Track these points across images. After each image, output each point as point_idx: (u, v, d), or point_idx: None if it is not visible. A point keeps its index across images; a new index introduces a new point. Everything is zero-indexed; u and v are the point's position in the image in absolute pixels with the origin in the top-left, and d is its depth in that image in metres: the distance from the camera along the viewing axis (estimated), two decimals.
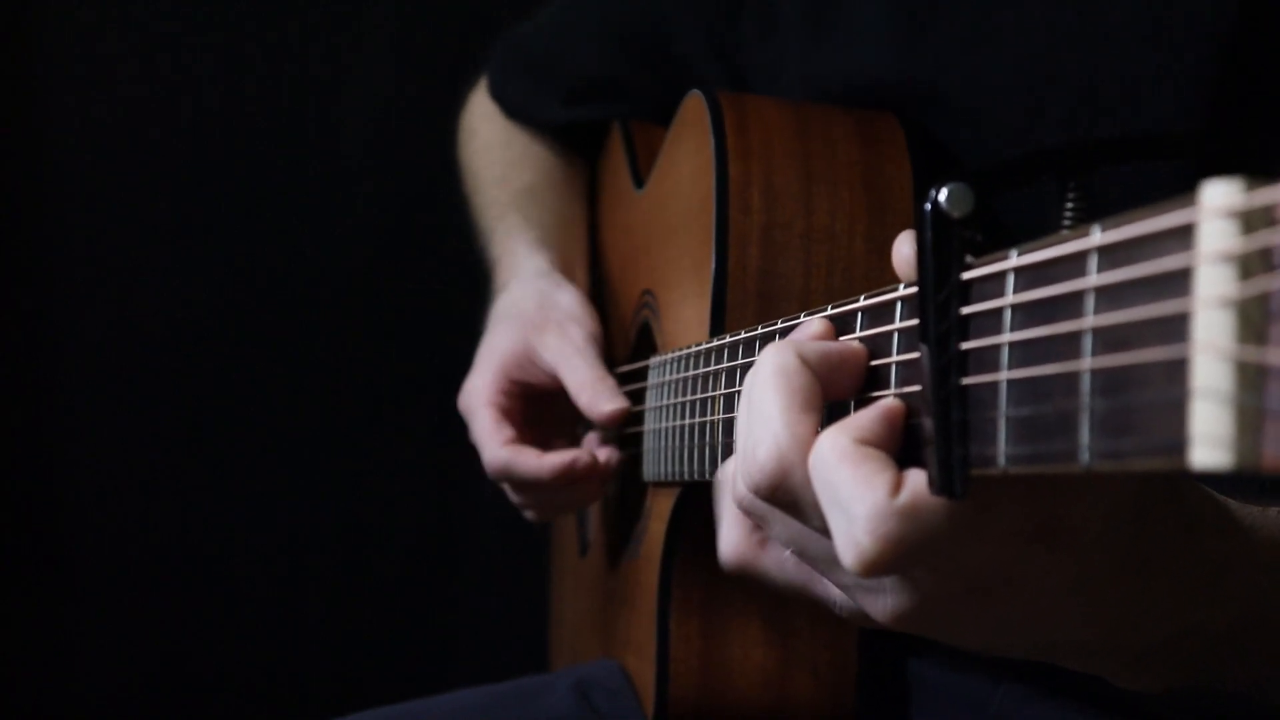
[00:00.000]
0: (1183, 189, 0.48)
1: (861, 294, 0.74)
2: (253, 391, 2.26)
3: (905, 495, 0.62)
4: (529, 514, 1.34)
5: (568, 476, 1.23)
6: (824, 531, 0.67)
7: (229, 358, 2.25)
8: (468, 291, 1.51)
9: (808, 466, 0.65)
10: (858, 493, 0.62)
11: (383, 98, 2.29)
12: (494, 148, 1.53)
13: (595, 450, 1.26)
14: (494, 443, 1.26)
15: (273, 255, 2.26)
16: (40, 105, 2.18)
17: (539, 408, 1.31)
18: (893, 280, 0.71)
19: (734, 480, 0.73)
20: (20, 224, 2.19)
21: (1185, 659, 0.72)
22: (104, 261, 2.22)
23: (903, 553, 0.62)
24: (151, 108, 2.22)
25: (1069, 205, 0.63)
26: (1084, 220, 0.63)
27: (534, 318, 1.30)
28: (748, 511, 0.72)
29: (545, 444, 1.27)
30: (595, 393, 1.22)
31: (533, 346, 1.28)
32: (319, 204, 2.28)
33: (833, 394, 0.70)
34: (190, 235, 2.24)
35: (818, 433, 0.66)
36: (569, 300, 1.32)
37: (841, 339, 0.73)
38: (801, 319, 0.81)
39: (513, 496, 1.31)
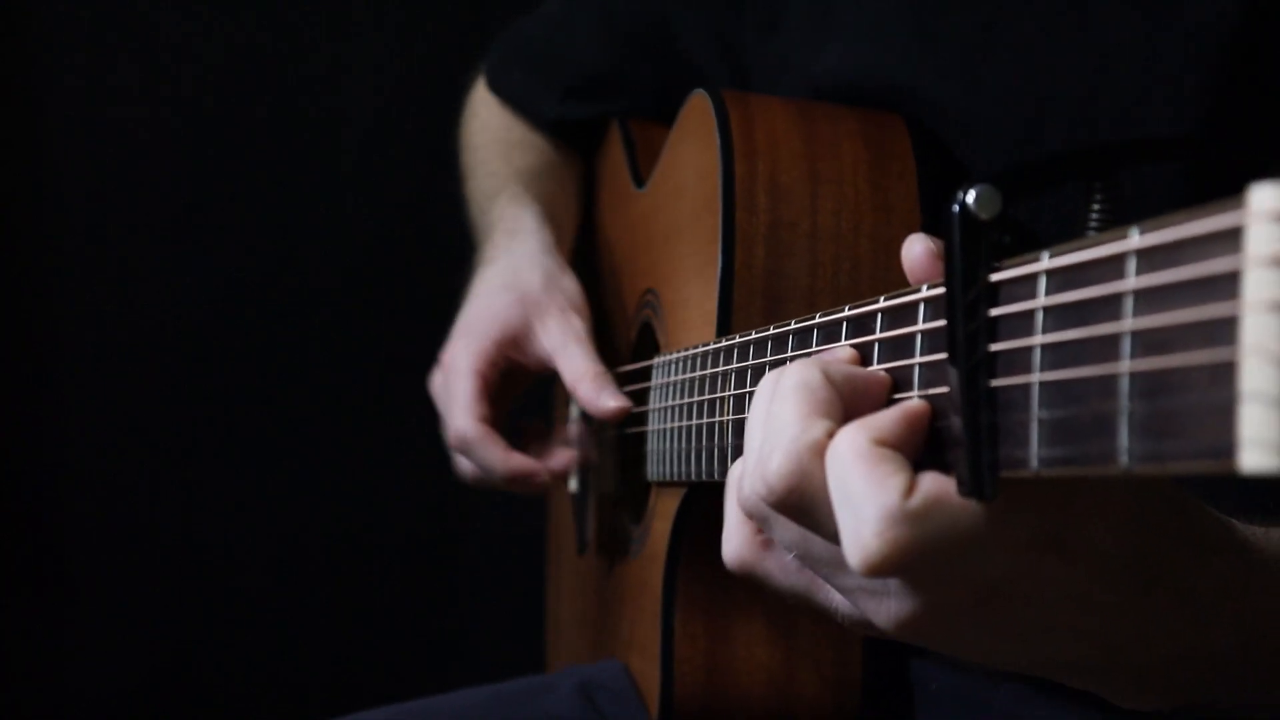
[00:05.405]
0: (1185, 190, 0.48)
1: (870, 293, 0.73)
2: (252, 391, 2.26)
3: (917, 499, 0.61)
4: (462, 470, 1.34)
5: (521, 483, 1.27)
6: (833, 538, 0.67)
7: (229, 357, 2.25)
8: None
9: (825, 473, 0.65)
10: (869, 493, 0.62)
11: (382, 96, 2.28)
12: (495, 128, 1.53)
13: (552, 463, 1.29)
14: (468, 414, 1.25)
15: (273, 254, 2.26)
16: (40, 105, 2.16)
17: (508, 385, 1.30)
18: (898, 279, 0.71)
19: (739, 483, 0.72)
20: (20, 224, 2.17)
21: (1184, 679, 0.72)
22: (104, 261, 2.21)
23: (909, 556, 0.62)
24: (151, 106, 2.21)
25: (1095, 208, 0.63)
26: (1111, 223, 0.63)
27: (539, 297, 1.28)
28: (750, 514, 0.72)
29: (497, 423, 1.27)
30: (598, 386, 1.21)
31: (534, 326, 1.27)
32: (319, 203, 2.28)
33: (852, 417, 0.69)
34: (190, 234, 2.24)
35: None
36: (572, 287, 1.30)
37: (867, 369, 0.72)
38: (816, 319, 0.81)
39: (455, 455, 1.31)
